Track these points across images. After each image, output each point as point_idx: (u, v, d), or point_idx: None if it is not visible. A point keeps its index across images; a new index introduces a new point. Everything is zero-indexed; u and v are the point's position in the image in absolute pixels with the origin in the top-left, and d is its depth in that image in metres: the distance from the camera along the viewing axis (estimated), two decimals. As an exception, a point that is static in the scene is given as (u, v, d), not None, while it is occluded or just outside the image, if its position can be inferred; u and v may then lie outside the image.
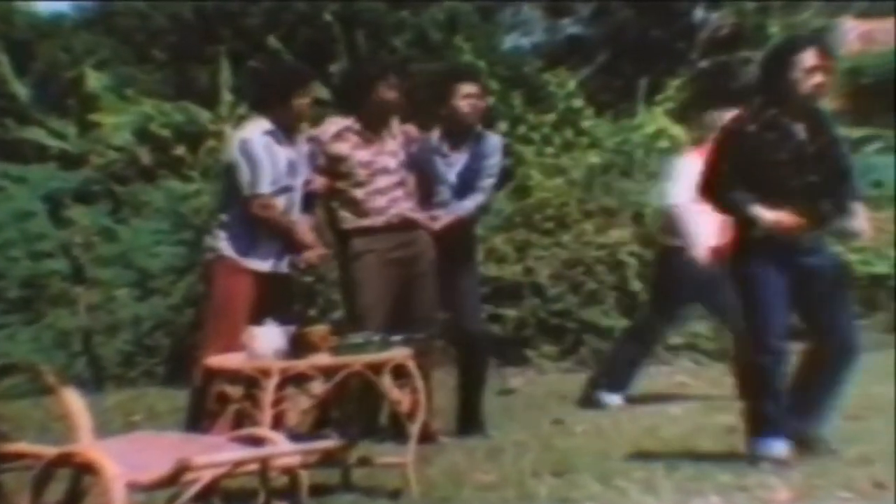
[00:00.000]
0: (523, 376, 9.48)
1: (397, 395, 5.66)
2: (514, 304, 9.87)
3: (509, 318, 9.80)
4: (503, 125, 10.49)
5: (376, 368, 5.60)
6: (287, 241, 6.67)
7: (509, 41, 16.40)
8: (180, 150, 10.55)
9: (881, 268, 10.35)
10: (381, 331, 6.08)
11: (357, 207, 6.94)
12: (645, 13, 15.72)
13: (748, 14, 15.13)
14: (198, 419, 6.23)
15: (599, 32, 16.22)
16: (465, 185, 7.13)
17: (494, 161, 7.21)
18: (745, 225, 5.98)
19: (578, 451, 6.48)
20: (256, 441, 4.60)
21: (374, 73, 7.04)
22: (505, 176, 9.70)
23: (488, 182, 7.20)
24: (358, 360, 5.57)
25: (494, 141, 7.31)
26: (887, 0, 16.08)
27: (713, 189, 6.08)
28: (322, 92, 9.99)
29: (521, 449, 6.53)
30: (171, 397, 8.41)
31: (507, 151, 8.37)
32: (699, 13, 15.93)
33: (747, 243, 5.96)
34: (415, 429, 5.65)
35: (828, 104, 6.17)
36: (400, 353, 5.71)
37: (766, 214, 5.89)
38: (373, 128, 6.95)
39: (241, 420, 5.35)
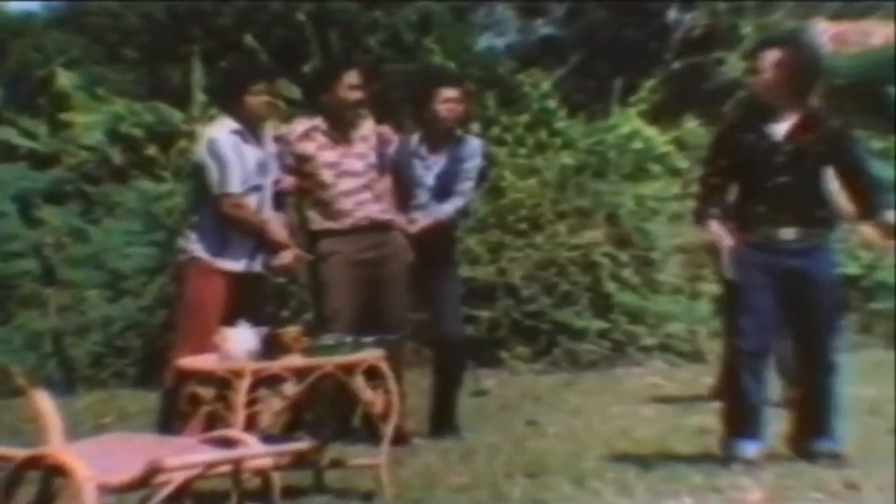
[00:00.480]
0: (496, 377, 9.46)
1: (370, 397, 5.64)
2: (488, 306, 9.85)
3: (482, 320, 9.78)
4: (476, 126, 10.46)
5: (349, 370, 5.57)
6: (260, 241, 6.65)
7: (483, 42, 16.38)
8: (152, 151, 10.47)
9: (852, 269, 10.38)
10: (350, 332, 6.06)
11: (324, 209, 6.91)
12: (619, 14, 15.72)
13: (721, 15, 15.15)
14: (169, 421, 6.18)
15: (573, 33, 16.21)
16: (444, 189, 7.12)
17: (473, 164, 7.20)
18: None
19: (551, 452, 6.46)
20: (228, 443, 4.58)
21: (333, 74, 7.02)
22: (481, 178, 9.71)
23: (467, 185, 7.19)
24: (330, 362, 5.55)
25: (474, 144, 7.30)
26: (859, 1, 16.15)
27: (697, 197, 6.16)
28: (294, 92, 9.98)
29: (494, 450, 6.51)
30: (143, 399, 8.36)
31: (486, 154, 8.40)
32: (672, 14, 15.94)
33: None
34: (388, 430, 5.63)
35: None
36: (373, 355, 5.68)
37: (711, 232, 5.97)
38: (339, 128, 6.92)
39: (213, 422, 5.32)
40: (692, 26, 15.49)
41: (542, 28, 17.12)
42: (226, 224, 6.56)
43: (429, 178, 7.10)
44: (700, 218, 6.13)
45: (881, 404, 7.50)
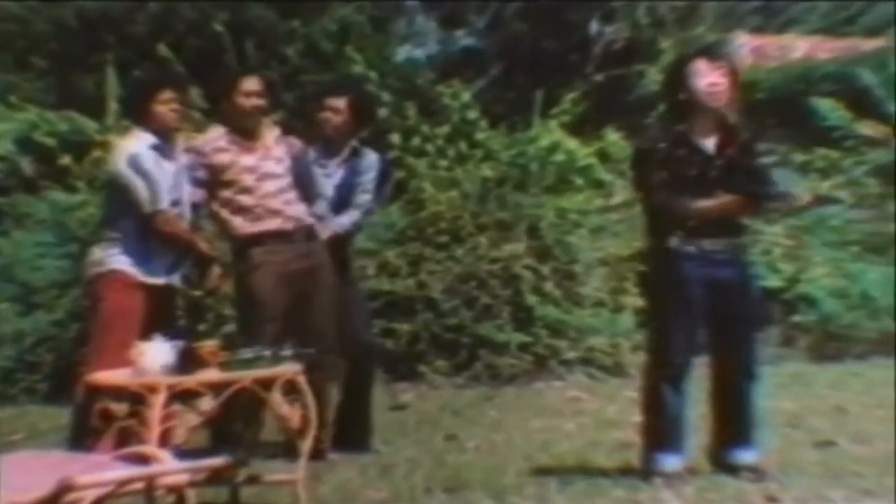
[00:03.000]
0: (416, 391, 9.41)
1: (287, 412, 5.58)
2: (407, 319, 9.80)
3: (402, 333, 9.72)
4: (396, 137, 10.42)
5: (266, 384, 5.51)
6: (186, 254, 6.62)
7: (403, 52, 16.32)
8: (65, 160, 10.32)
9: (774, 281, 10.45)
10: (278, 345, 5.98)
11: (249, 213, 6.78)
12: (539, 26, 15.73)
13: (642, 28, 15.24)
14: (81, 437, 6.09)
15: (493, 44, 16.19)
16: (342, 201, 7.13)
17: (370, 177, 7.22)
18: (663, 234, 5.95)
19: (471, 466, 6.43)
20: (142, 459, 4.49)
21: (230, 81, 6.90)
22: (392, 188, 9.67)
23: (364, 198, 7.20)
24: (248, 376, 5.49)
25: (371, 158, 7.29)
26: (780, 14, 16.37)
27: (645, 193, 6.09)
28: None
29: (413, 465, 6.47)
30: (54, 415, 8.21)
31: (388, 168, 8.41)
32: (594, 26, 15.99)
33: (666, 253, 5.93)
34: (305, 445, 5.57)
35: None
36: (290, 369, 5.62)
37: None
38: (244, 136, 6.81)
39: (126, 438, 5.25)
40: (613, 39, 15.57)
41: (463, 39, 17.10)
42: (150, 238, 6.50)
43: (328, 189, 7.08)
44: (666, 199, 5.96)
45: (801, 417, 7.56)
